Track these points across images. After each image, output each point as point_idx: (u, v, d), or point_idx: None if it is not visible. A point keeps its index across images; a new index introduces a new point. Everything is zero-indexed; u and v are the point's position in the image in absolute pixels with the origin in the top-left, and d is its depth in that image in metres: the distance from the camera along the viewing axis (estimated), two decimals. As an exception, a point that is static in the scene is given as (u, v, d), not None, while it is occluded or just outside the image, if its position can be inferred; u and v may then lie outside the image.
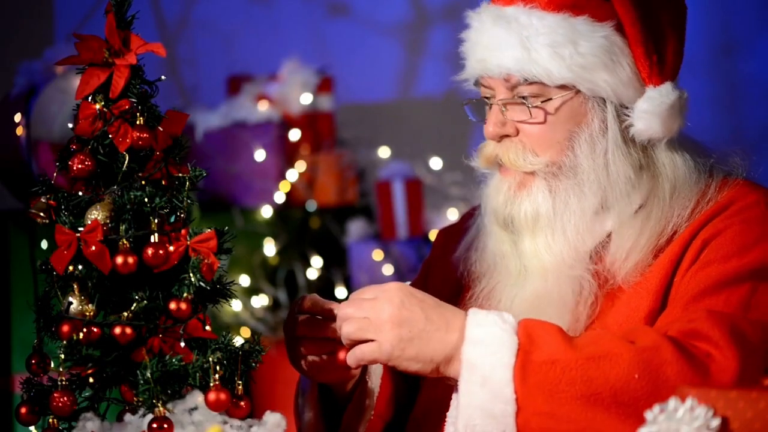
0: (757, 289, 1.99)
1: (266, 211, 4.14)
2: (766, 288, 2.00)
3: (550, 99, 2.06)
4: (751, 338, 1.93)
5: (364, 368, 2.15)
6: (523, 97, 2.06)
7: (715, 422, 1.59)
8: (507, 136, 2.09)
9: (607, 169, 2.07)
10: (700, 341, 1.92)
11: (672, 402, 1.62)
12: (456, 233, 2.30)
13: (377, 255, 4.16)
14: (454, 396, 1.98)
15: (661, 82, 2.07)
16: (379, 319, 1.95)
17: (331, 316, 2.02)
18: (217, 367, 1.87)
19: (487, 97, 2.12)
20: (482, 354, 1.93)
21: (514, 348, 1.92)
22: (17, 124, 3.62)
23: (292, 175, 4.21)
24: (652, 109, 2.05)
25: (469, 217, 2.30)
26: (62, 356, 1.88)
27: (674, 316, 2.00)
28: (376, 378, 2.18)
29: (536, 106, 2.06)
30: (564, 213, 2.07)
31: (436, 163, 4.23)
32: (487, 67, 2.08)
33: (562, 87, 2.05)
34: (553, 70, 2.04)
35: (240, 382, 1.89)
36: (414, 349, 1.95)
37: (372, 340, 1.96)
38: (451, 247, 2.27)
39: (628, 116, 2.07)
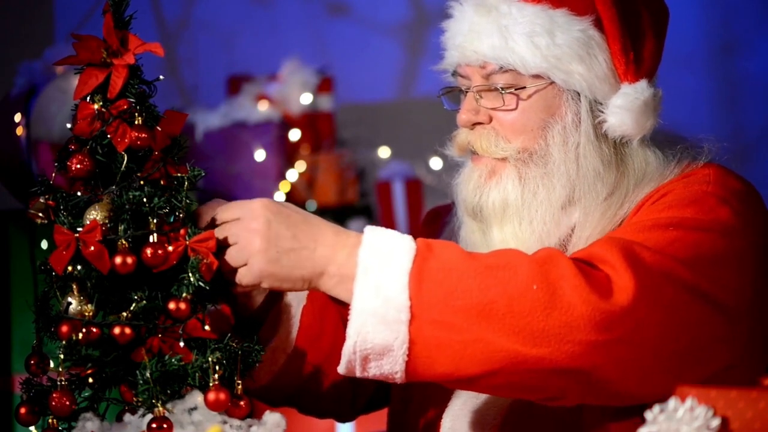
0: (678, 239, 1.96)
1: (266, 211, 4.13)
2: (688, 242, 1.96)
3: (524, 87, 2.07)
4: (650, 266, 1.90)
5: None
6: (498, 85, 2.07)
7: (715, 422, 1.59)
8: (480, 123, 2.10)
9: (578, 162, 2.07)
10: (598, 262, 1.90)
11: (672, 402, 1.62)
12: (441, 221, 2.30)
13: (377, 255, 4.15)
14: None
15: (637, 79, 2.07)
16: (246, 242, 1.92)
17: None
18: (217, 367, 1.87)
19: (463, 87, 2.13)
20: (377, 258, 1.90)
21: (411, 254, 1.89)
22: (17, 124, 3.62)
23: (292, 175, 4.21)
24: (626, 105, 2.06)
25: (448, 210, 2.30)
26: (62, 356, 1.88)
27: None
28: (294, 310, 2.13)
29: (510, 93, 2.07)
30: (532, 202, 2.07)
31: (436, 163, 4.23)
32: (465, 53, 2.10)
33: (537, 77, 2.06)
34: (528, 59, 2.05)
35: (240, 382, 1.89)
36: (283, 270, 1.91)
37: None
38: (433, 235, 2.28)
39: (602, 112, 2.07)
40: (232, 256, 1.93)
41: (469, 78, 2.11)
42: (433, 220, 2.36)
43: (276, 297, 2.11)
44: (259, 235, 1.92)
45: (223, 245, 1.93)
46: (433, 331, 1.87)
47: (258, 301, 2.09)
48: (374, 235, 1.93)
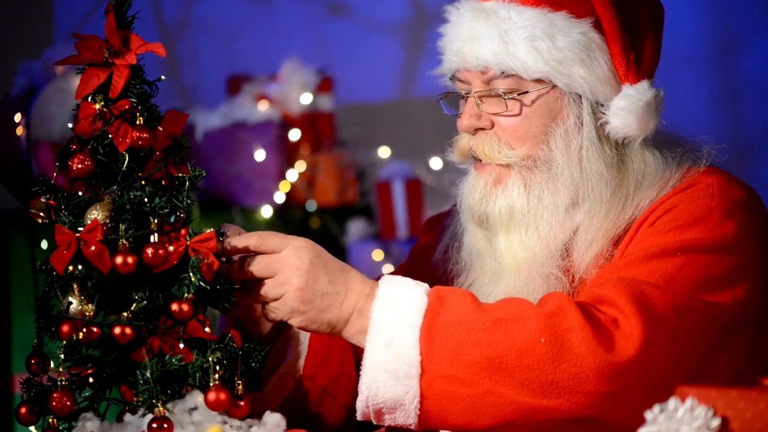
0: (685, 265, 1.97)
1: (266, 211, 4.14)
2: (695, 266, 1.97)
3: (527, 92, 2.07)
4: (659, 308, 1.92)
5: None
6: (500, 91, 2.07)
7: (715, 422, 1.59)
8: (482, 129, 2.10)
9: (581, 164, 2.07)
10: (606, 306, 1.91)
11: (672, 402, 1.62)
12: (440, 226, 2.30)
13: (377, 255, 4.16)
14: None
15: (638, 80, 2.07)
16: (285, 278, 1.93)
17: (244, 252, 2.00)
18: (217, 367, 1.87)
19: (462, 92, 2.12)
20: (389, 313, 1.92)
21: (423, 308, 1.92)
22: (17, 124, 3.61)
23: (292, 175, 4.21)
24: (629, 106, 2.06)
25: (448, 215, 2.30)
26: (62, 356, 1.88)
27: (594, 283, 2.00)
28: (302, 336, 2.14)
29: (512, 98, 2.07)
30: (537, 208, 2.08)
31: (436, 163, 4.23)
32: (465, 59, 2.09)
33: (538, 81, 2.06)
34: (530, 64, 2.05)
35: (240, 382, 1.89)
36: (314, 312, 1.94)
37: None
38: (434, 241, 2.28)
39: (604, 114, 2.08)
40: (267, 289, 1.95)
41: (469, 83, 2.10)
42: (431, 227, 2.35)
43: (284, 324, 2.12)
44: (299, 274, 1.94)
45: (258, 276, 1.95)
46: (444, 385, 1.89)
47: (267, 327, 2.10)
48: (388, 288, 1.95)
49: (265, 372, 2.11)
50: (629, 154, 2.09)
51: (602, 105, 2.08)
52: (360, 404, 1.93)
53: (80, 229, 1.88)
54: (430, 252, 2.28)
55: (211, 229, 1.92)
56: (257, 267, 1.95)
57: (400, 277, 1.98)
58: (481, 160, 2.11)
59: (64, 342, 1.88)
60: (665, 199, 2.06)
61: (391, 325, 1.91)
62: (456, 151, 2.15)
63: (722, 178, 2.08)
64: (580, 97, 2.07)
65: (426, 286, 1.95)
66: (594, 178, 2.07)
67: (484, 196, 2.10)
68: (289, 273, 1.94)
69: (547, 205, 2.07)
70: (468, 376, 1.88)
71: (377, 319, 1.92)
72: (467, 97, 2.11)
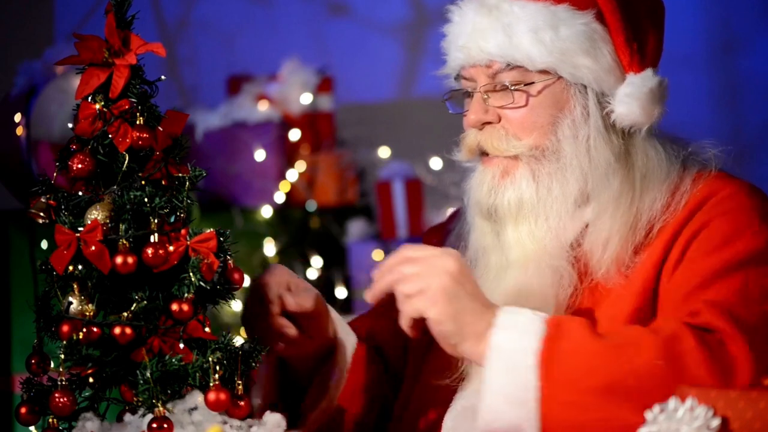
0: (748, 278, 2.00)
1: (266, 211, 4.13)
2: (757, 276, 2.00)
3: (532, 83, 2.08)
4: (752, 323, 1.94)
5: (330, 350, 2.15)
6: (506, 83, 2.08)
7: (715, 422, 1.59)
8: (489, 123, 2.11)
9: (589, 154, 2.08)
10: (709, 330, 1.93)
11: (672, 402, 1.62)
12: (441, 234, 2.30)
13: (377, 255, 4.16)
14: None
15: (642, 69, 2.09)
16: (432, 282, 1.94)
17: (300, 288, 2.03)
18: (217, 367, 1.87)
19: (468, 89, 2.13)
20: (509, 339, 1.93)
21: (541, 335, 1.93)
22: (17, 124, 3.61)
23: (292, 175, 4.21)
24: (634, 93, 2.07)
25: (452, 220, 2.31)
26: (62, 356, 1.88)
27: (669, 313, 2.00)
28: (343, 359, 2.17)
29: (518, 89, 2.08)
30: (547, 199, 2.08)
31: (436, 163, 4.23)
32: (470, 54, 2.10)
33: (544, 72, 2.08)
34: (535, 55, 2.06)
35: (240, 382, 1.89)
36: (452, 324, 1.94)
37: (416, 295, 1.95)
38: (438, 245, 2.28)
39: (609, 103, 2.09)
40: (411, 281, 1.95)
41: (474, 79, 2.11)
42: (433, 236, 2.35)
43: (323, 360, 2.14)
44: (446, 283, 1.94)
45: (403, 281, 1.95)
46: (564, 411, 1.90)
47: (309, 366, 2.13)
48: (507, 316, 1.95)
49: (304, 407, 2.14)
50: (634, 146, 2.11)
51: (606, 96, 2.09)
52: (479, 428, 1.94)
53: (80, 229, 1.88)
54: None
55: (211, 229, 1.92)
56: (406, 264, 1.95)
57: (517, 307, 1.98)
58: (488, 154, 2.11)
59: (64, 342, 1.88)
60: (689, 211, 2.07)
61: (510, 352, 1.92)
62: (464, 148, 2.16)
63: (740, 184, 2.10)
64: (585, 87, 2.08)
65: (544, 314, 1.96)
66: (602, 167, 2.08)
67: (492, 188, 2.11)
68: (440, 267, 1.94)
69: (556, 196, 2.08)
70: (588, 402, 1.89)
71: (497, 345, 1.93)
72: (473, 94, 2.12)
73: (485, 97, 2.10)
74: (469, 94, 2.13)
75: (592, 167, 2.08)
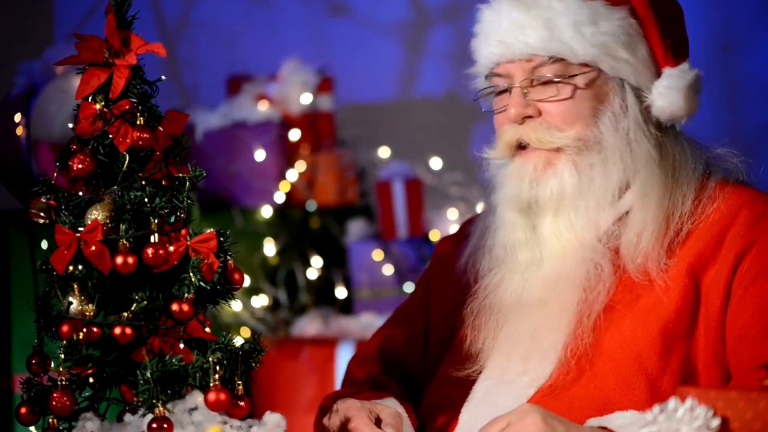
0: None
1: (266, 211, 4.13)
2: None
3: (575, 75, 2.10)
4: None
5: None
6: (548, 76, 2.10)
7: (715, 422, 1.59)
8: (529, 117, 2.12)
9: (630, 147, 2.11)
10: None
11: (672, 402, 1.62)
12: (457, 242, 2.30)
13: (377, 255, 4.16)
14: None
15: (677, 63, 2.13)
16: (523, 424, 1.89)
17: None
18: (217, 368, 1.87)
19: (504, 85, 2.13)
20: None
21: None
22: (17, 124, 3.61)
23: (292, 175, 4.21)
24: (674, 84, 2.11)
25: (469, 225, 2.31)
26: (62, 356, 1.88)
27: (755, 351, 1.98)
28: None
29: (561, 82, 2.10)
30: (588, 190, 2.10)
31: (436, 163, 4.23)
32: (510, 49, 2.12)
33: (584, 65, 2.11)
34: (577, 48, 2.09)
35: (240, 382, 1.89)
36: None
37: None
38: (453, 256, 2.28)
39: (647, 97, 2.12)
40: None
41: (511, 75, 2.13)
42: (446, 244, 2.34)
43: None
44: (537, 421, 1.88)
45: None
46: None
47: None
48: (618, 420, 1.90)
49: None
50: (667, 141, 2.13)
51: (642, 90, 2.12)
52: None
53: (80, 229, 1.88)
54: (450, 268, 2.27)
55: (211, 230, 1.92)
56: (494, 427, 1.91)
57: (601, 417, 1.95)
58: (525, 149, 2.12)
59: (64, 342, 1.88)
60: (724, 221, 2.08)
61: None
62: (500, 144, 2.16)
63: None
64: (623, 81, 2.11)
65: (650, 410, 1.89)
66: (644, 158, 2.10)
67: (534, 179, 2.12)
68: (528, 421, 1.89)
69: (598, 187, 2.10)
70: None
71: None
72: (510, 90, 2.13)
73: (525, 91, 2.12)
74: (504, 91, 2.14)
75: (634, 159, 2.10)
